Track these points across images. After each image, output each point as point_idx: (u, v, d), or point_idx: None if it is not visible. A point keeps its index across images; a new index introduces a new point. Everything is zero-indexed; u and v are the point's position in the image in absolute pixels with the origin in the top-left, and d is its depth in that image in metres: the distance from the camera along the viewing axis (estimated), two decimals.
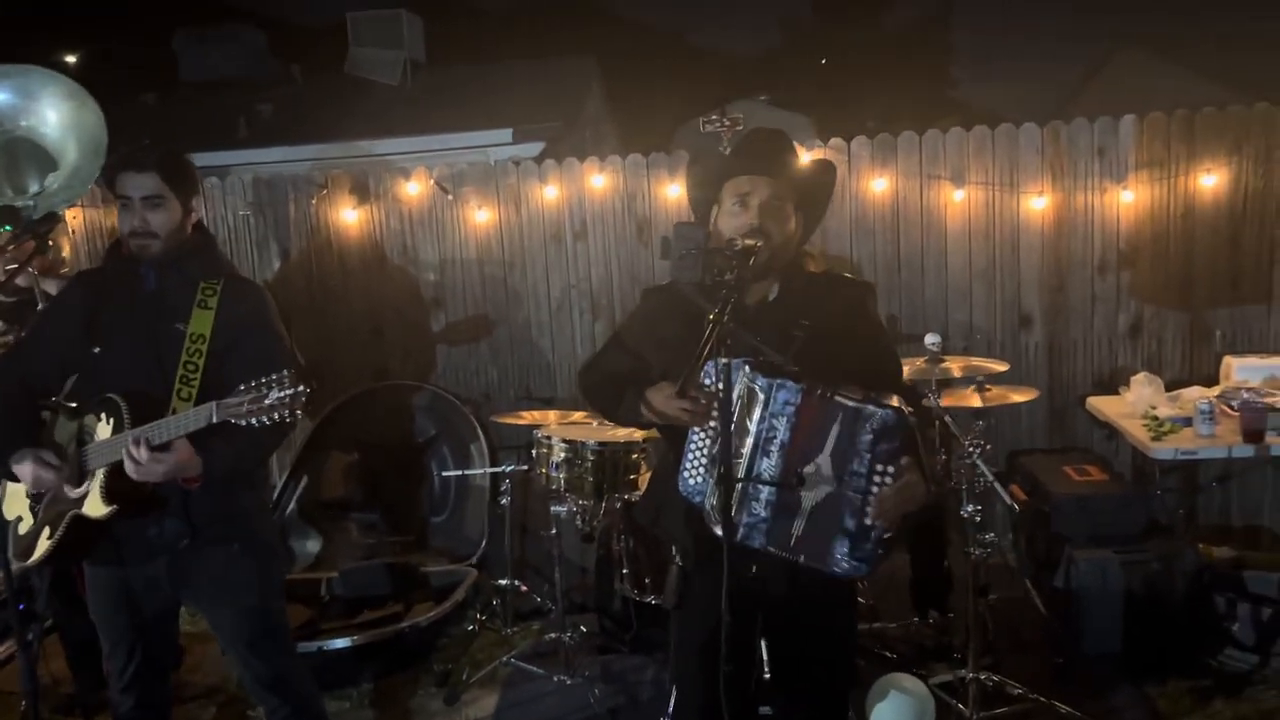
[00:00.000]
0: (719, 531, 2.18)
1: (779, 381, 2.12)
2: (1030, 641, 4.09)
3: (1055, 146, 4.64)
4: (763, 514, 2.16)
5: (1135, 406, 4.24)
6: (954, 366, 3.79)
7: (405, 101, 10.60)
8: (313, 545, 4.97)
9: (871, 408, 2.08)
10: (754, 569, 2.22)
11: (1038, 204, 4.67)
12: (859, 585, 4.23)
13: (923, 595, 4.16)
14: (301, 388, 2.25)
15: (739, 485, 2.14)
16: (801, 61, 19.65)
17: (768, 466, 2.14)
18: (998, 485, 3.45)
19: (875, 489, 2.09)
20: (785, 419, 2.12)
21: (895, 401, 2.11)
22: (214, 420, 2.35)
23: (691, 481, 2.24)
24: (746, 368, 2.15)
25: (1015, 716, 3.50)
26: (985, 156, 4.70)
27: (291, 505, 5.02)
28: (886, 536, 2.13)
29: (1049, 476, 4.27)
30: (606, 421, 3.12)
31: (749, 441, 2.15)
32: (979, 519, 3.53)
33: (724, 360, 2.03)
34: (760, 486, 2.15)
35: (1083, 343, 4.77)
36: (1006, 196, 4.70)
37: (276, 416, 2.26)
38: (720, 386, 2.05)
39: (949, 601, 4.14)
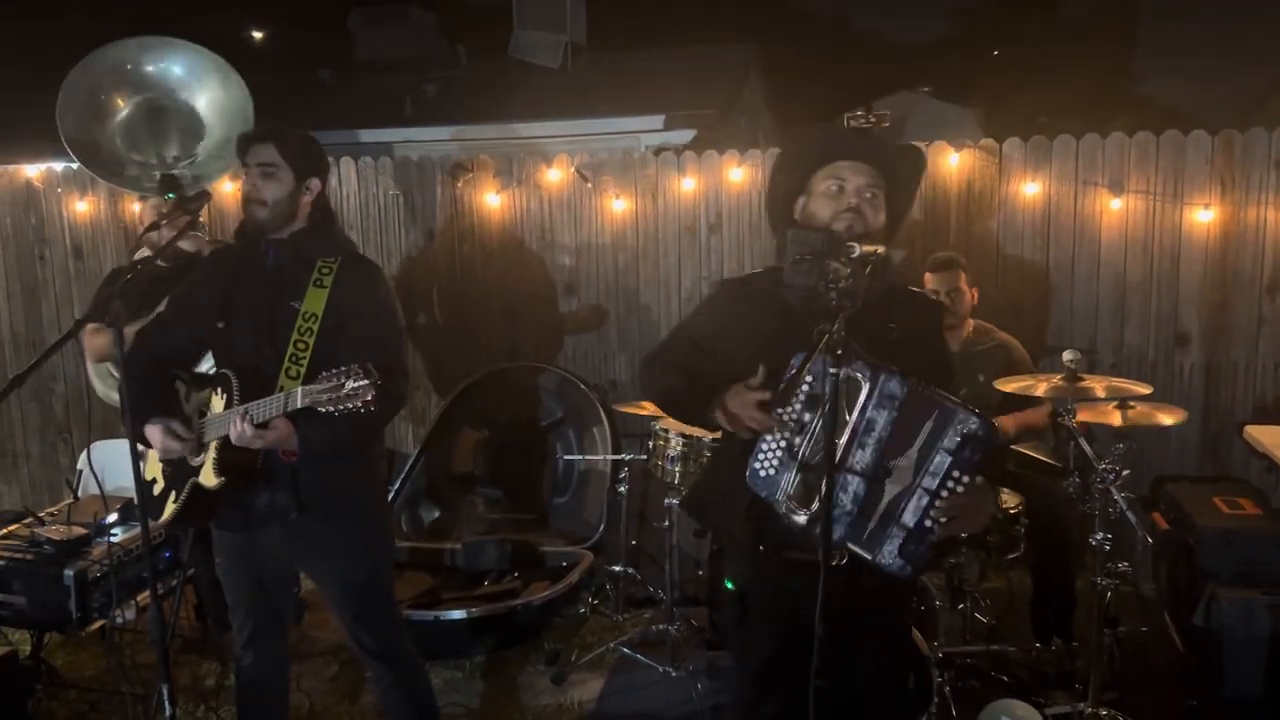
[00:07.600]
0: (799, 519, 2.13)
1: (886, 375, 2.09)
2: (1163, 679, 3.87)
3: (1227, 156, 4.33)
4: (849, 506, 2.13)
5: None
6: (1094, 386, 3.59)
7: (563, 85, 10.72)
8: (439, 516, 5.13)
9: (964, 413, 2.06)
10: (843, 560, 2.17)
11: (1203, 216, 4.37)
12: (982, 603, 4.08)
13: (1045, 619, 3.98)
14: (375, 379, 2.28)
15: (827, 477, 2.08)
16: (972, 52, 18.97)
17: (860, 459, 2.11)
18: (1131, 515, 3.26)
19: (946, 492, 2.07)
20: (887, 412, 2.09)
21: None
22: (299, 405, 2.41)
23: (763, 474, 2.17)
24: (859, 361, 2.10)
25: None
26: (1148, 164, 4.43)
27: (422, 476, 5.19)
28: (935, 541, 2.12)
29: (1196, 506, 4.01)
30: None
31: (845, 434, 2.11)
32: (1108, 547, 3.35)
33: (834, 369, 1.98)
34: (851, 479, 2.12)
35: (1244, 366, 4.46)
36: (1169, 207, 4.43)
37: (352, 406, 2.31)
38: (816, 388, 2.05)
39: (1074, 628, 3.95)
